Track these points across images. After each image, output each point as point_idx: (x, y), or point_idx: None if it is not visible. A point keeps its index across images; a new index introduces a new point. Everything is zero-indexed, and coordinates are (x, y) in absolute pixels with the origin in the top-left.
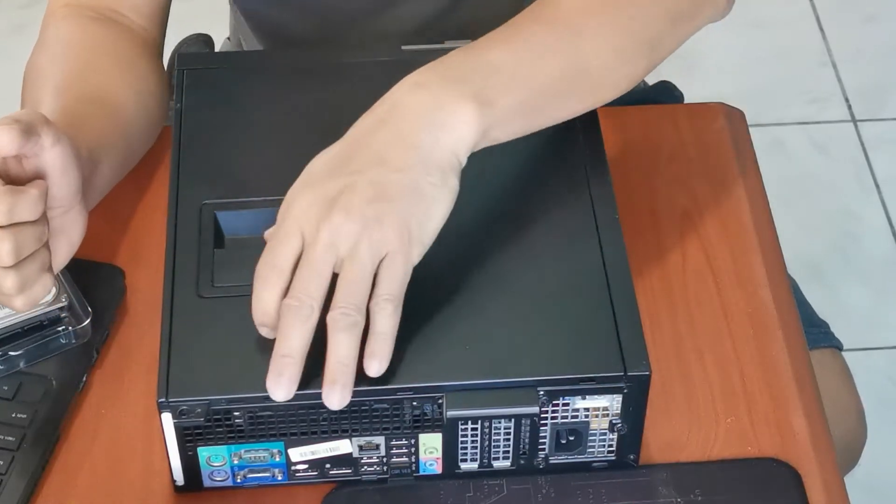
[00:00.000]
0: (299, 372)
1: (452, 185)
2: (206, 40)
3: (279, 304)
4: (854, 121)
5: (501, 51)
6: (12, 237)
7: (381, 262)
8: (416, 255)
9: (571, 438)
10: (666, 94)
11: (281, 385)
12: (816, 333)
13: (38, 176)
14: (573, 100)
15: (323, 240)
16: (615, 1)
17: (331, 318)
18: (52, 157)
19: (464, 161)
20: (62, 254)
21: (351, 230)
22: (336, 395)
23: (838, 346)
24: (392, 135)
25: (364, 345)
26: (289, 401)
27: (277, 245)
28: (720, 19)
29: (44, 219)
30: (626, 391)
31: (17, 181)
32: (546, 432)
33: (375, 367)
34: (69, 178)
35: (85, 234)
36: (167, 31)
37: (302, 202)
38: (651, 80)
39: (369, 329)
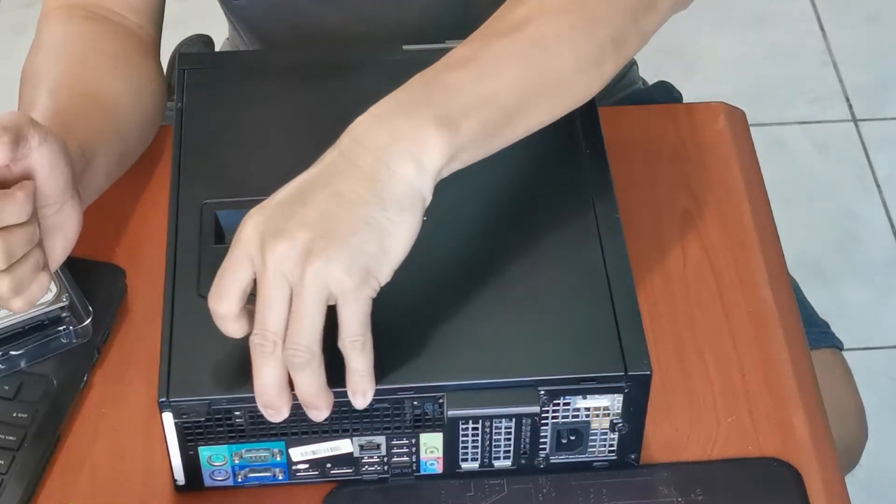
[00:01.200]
0: (287, 398)
1: (412, 221)
2: (206, 41)
3: (241, 328)
4: (855, 120)
5: (461, 70)
6: (1, 241)
7: (338, 299)
8: (372, 291)
9: (572, 438)
10: (664, 93)
11: (269, 415)
12: (817, 333)
13: (25, 176)
14: (541, 110)
15: (270, 271)
16: (573, 8)
17: (284, 356)
18: (40, 157)
19: (428, 195)
20: (58, 251)
21: (297, 262)
22: (315, 415)
23: (839, 346)
24: (350, 169)
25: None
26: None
27: (225, 273)
28: (685, 8)
29: (34, 219)
30: (626, 391)
31: (3, 183)
32: (547, 432)
33: (360, 401)
34: (58, 175)
35: (80, 230)
36: (167, 32)
37: (249, 229)
38: (650, 79)
39: (346, 367)
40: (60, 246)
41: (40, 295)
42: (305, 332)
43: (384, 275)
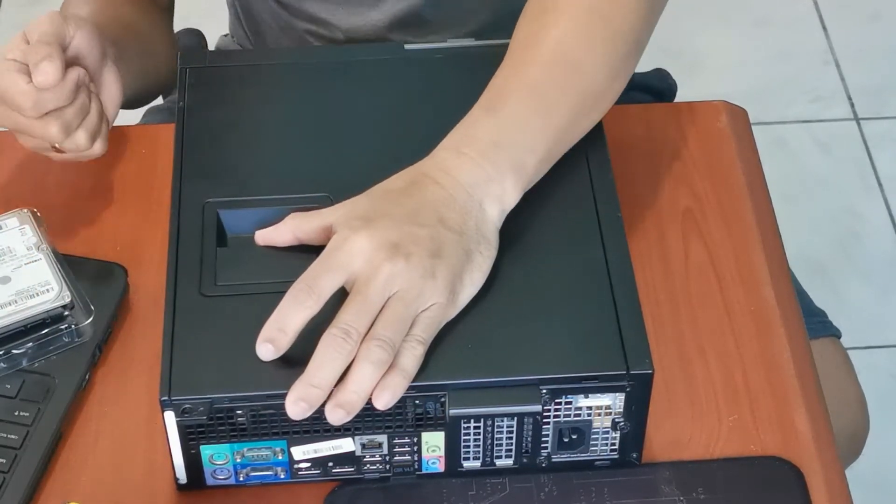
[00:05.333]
0: (323, 400)
1: (493, 256)
2: (197, 34)
3: (301, 328)
4: (857, 119)
5: (517, 103)
6: (58, 119)
7: (430, 308)
8: (452, 314)
9: (574, 437)
10: (660, 80)
11: (301, 409)
12: (815, 323)
13: (71, 61)
14: (584, 126)
15: (382, 278)
16: (587, 17)
17: (366, 346)
18: (78, 42)
19: (499, 228)
20: (110, 107)
21: (408, 277)
22: (338, 416)
23: (837, 335)
24: (447, 197)
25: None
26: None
27: (325, 272)
28: None
29: (81, 92)
30: (628, 389)
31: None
32: (548, 431)
33: (385, 400)
34: (94, 52)
35: (123, 94)
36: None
37: (363, 240)
38: (647, 68)
39: (391, 364)
40: (111, 102)
41: (106, 131)
42: (399, 333)
43: (462, 302)
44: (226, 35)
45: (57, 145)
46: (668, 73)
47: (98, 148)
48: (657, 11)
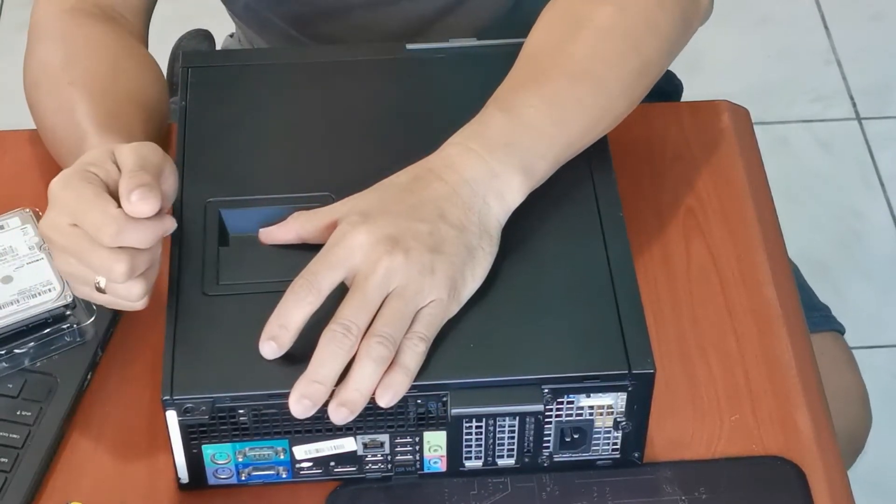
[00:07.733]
0: (326, 397)
1: (494, 252)
2: (206, 35)
3: (303, 324)
4: (859, 119)
5: (535, 109)
6: (129, 259)
7: (431, 305)
8: (453, 311)
9: (576, 436)
10: (667, 82)
11: (304, 407)
12: (818, 317)
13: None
14: (593, 138)
15: (380, 274)
16: (622, 41)
17: (366, 344)
18: (167, 188)
19: (503, 225)
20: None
21: (407, 272)
22: (341, 415)
23: (840, 330)
24: (449, 193)
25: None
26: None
27: (325, 268)
28: (705, 23)
29: (159, 245)
30: (630, 389)
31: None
32: (550, 430)
33: (388, 398)
34: (169, 203)
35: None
36: (169, 28)
37: (362, 235)
38: None
39: (394, 361)
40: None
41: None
42: (399, 329)
43: (464, 297)
44: (231, 35)
45: (103, 285)
46: (674, 74)
47: (142, 304)
48: (679, 49)
